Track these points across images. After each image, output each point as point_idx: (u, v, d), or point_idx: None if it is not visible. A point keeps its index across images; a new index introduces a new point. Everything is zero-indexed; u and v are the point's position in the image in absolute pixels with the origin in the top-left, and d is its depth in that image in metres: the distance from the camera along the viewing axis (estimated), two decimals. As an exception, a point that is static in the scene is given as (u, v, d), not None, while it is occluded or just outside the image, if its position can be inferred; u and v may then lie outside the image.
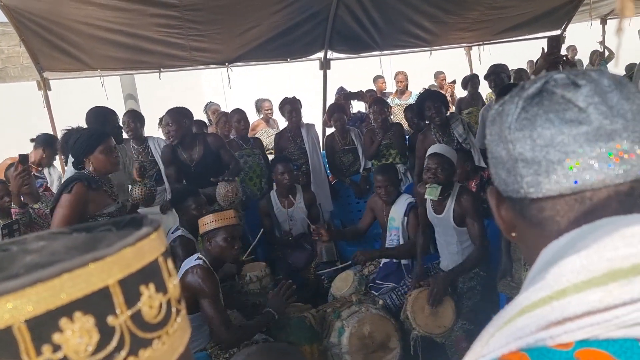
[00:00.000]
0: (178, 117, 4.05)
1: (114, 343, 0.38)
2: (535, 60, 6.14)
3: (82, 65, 4.97)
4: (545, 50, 3.92)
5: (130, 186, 3.73)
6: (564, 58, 3.84)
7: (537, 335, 0.51)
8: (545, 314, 0.51)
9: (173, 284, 0.46)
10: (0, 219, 3.25)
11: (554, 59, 3.78)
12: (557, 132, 0.59)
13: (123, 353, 0.39)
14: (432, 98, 4.26)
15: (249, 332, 2.78)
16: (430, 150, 3.21)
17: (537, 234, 0.64)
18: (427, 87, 7.84)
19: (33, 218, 3.29)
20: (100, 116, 3.65)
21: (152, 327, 0.41)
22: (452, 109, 6.84)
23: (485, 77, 5.39)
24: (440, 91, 7.88)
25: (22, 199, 3.12)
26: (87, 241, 0.42)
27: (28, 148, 4.46)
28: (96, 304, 0.37)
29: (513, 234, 0.70)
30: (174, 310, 0.45)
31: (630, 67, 6.06)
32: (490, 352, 0.53)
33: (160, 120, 5.00)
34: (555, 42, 3.85)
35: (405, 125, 5.41)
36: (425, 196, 3.16)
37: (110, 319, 0.38)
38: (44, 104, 5.16)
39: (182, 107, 4.15)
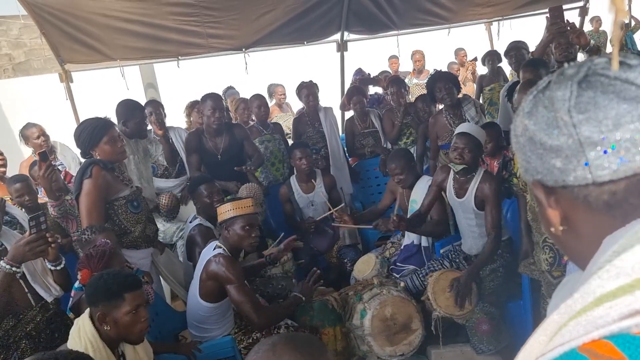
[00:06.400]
0: (221, 103, 4.10)
1: None
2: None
3: (101, 56, 5.03)
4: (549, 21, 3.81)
5: (158, 194, 3.94)
6: (569, 27, 3.72)
7: (621, 324, 0.51)
8: (628, 302, 0.51)
9: None
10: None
11: (557, 29, 3.67)
12: (622, 112, 0.58)
13: None
14: (443, 79, 4.22)
15: (279, 314, 2.81)
16: (458, 129, 3.15)
17: (602, 221, 0.63)
18: (446, 66, 7.73)
19: (67, 209, 3.38)
20: (130, 109, 3.70)
21: None
22: (474, 87, 6.73)
23: (505, 54, 5.27)
24: (460, 68, 7.77)
25: (56, 193, 3.22)
26: None
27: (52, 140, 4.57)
28: None
29: (561, 228, 0.68)
30: None
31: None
32: (566, 341, 0.53)
33: (192, 105, 5.09)
34: (557, 12, 3.71)
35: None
36: (450, 164, 3.16)
37: None
38: (67, 96, 5.25)
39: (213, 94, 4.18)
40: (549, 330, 0.57)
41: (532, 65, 3.59)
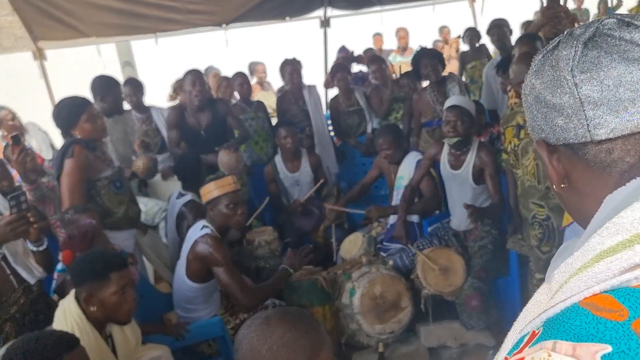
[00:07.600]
0: (202, 78, 4.01)
1: None
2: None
3: (77, 32, 4.87)
4: (544, 4, 3.77)
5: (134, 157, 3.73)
6: (564, 12, 3.69)
7: (621, 278, 0.52)
8: (628, 257, 0.52)
9: None
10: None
11: (552, 13, 3.63)
12: (624, 71, 0.60)
13: None
14: (429, 56, 4.21)
15: (266, 292, 2.77)
16: (448, 103, 3.14)
17: (600, 179, 0.64)
18: (430, 43, 7.69)
19: (44, 192, 3.28)
20: (105, 85, 3.59)
21: None
22: (457, 64, 6.70)
23: (487, 32, 5.22)
24: (444, 46, 7.73)
25: (31, 177, 3.12)
26: None
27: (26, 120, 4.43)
28: None
29: (562, 185, 0.70)
30: None
31: None
32: (568, 297, 0.54)
33: (178, 84, 4.95)
34: None
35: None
36: (444, 140, 3.15)
37: None
38: (41, 75, 5.08)
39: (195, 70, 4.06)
40: (550, 289, 0.58)
41: (529, 39, 3.57)
